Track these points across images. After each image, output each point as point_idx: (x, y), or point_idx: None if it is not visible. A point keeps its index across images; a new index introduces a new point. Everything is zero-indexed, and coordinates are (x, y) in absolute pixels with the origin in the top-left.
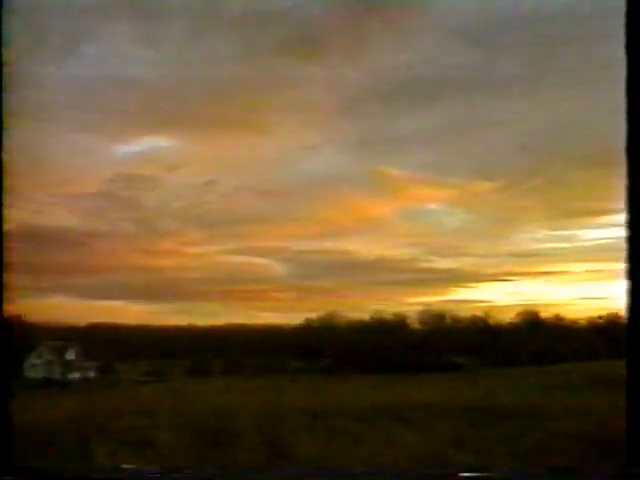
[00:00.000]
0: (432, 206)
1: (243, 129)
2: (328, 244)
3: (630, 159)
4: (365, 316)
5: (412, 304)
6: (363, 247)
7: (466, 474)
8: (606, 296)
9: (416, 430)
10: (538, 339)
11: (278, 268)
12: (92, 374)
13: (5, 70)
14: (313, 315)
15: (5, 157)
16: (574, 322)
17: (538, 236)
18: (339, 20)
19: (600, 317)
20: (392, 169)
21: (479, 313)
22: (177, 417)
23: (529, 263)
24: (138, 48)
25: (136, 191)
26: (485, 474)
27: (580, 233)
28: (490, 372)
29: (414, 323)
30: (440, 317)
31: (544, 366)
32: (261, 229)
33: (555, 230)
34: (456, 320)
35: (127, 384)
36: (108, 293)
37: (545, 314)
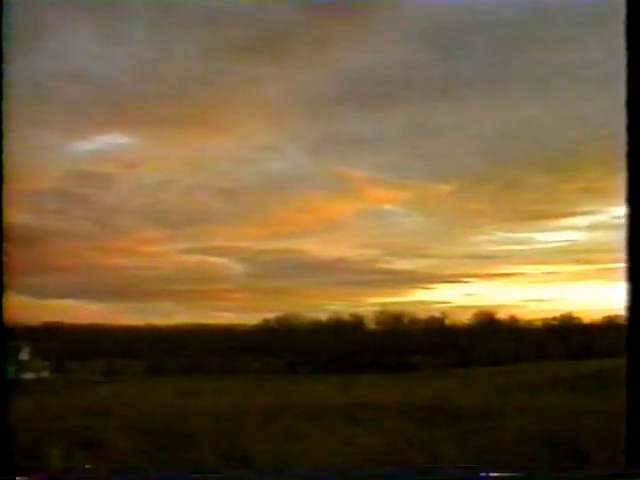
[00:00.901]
0: (390, 207)
1: (203, 128)
2: (287, 244)
3: (630, 160)
4: (323, 316)
5: (370, 305)
6: (322, 247)
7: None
8: (561, 298)
9: (370, 430)
10: (494, 340)
11: (236, 268)
12: (46, 374)
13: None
14: (271, 315)
15: None
16: (529, 323)
17: (494, 238)
18: (301, 20)
19: (555, 318)
20: (351, 170)
21: (436, 314)
22: (131, 417)
23: (485, 265)
24: (96, 44)
25: (93, 189)
26: (485, 474)
27: (535, 236)
28: (446, 372)
29: (371, 324)
30: (397, 318)
31: (500, 366)
32: (219, 228)
33: (511, 233)
34: (413, 321)
35: (82, 384)
36: (64, 292)
37: (501, 315)
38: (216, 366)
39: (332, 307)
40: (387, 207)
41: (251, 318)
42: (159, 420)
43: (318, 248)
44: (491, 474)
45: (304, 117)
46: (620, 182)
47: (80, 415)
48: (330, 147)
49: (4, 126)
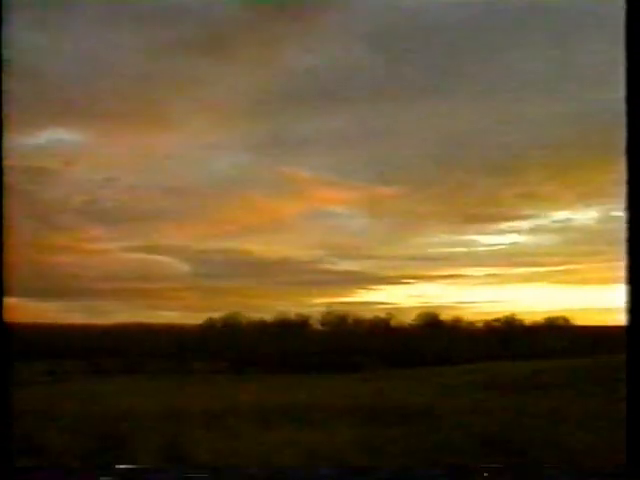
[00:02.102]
0: (336, 208)
1: (148, 125)
2: (232, 244)
3: (630, 161)
4: (268, 316)
5: (315, 305)
6: (267, 247)
7: None
8: (503, 299)
9: (313, 430)
10: (437, 341)
11: (181, 267)
12: None
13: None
14: (216, 315)
15: None
16: (472, 324)
17: (438, 240)
18: (248, 18)
19: (497, 320)
20: (297, 170)
21: (381, 314)
22: (72, 418)
23: (430, 267)
24: (41, 37)
25: (34, 185)
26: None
27: (479, 238)
28: (390, 373)
29: (317, 324)
30: (342, 318)
31: (443, 367)
32: (164, 227)
33: (455, 235)
34: (358, 321)
35: (21, 385)
36: (2, 290)
37: (444, 316)
38: (159, 366)
39: (277, 307)
40: (332, 208)
41: (195, 318)
42: (98, 421)
43: (263, 248)
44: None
45: (250, 116)
46: (560, 187)
47: (18, 417)
48: (275, 147)
49: None
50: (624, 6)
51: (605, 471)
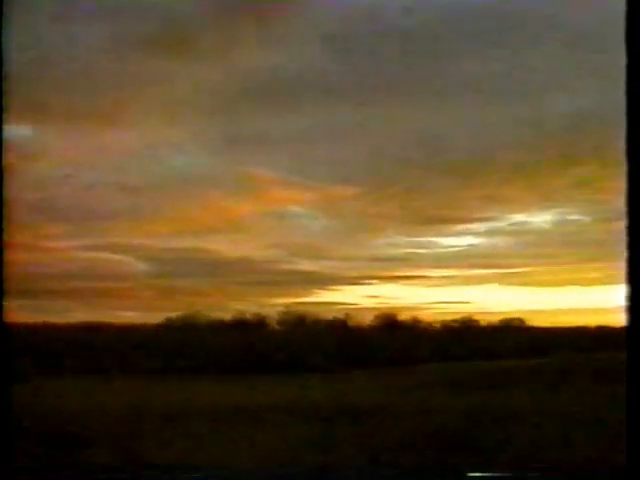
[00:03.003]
0: (296, 209)
1: (107, 122)
2: (190, 243)
3: (630, 162)
4: (227, 316)
5: (273, 305)
6: (226, 247)
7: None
8: (460, 300)
9: (268, 430)
10: (395, 341)
11: (138, 266)
12: None
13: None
14: (174, 314)
15: None
16: (430, 325)
17: (397, 242)
18: (211, 20)
19: (454, 321)
20: (256, 170)
21: (339, 315)
22: (24, 419)
23: (388, 267)
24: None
25: None
26: (490, 474)
27: (436, 240)
28: (348, 372)
29: (275, 324)
30: (301, 318)
31: (400, 367)
32: (121, 225)
33: (413, 236)
34: (316, 322)
35: None
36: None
37: (403, 317)
38: (115, 366)
39: (236, 307)
40: (292, 208)
41: (153, 317)
42: (48, 422)
43: (222, 247)
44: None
45: (208, 115)
46: (518, 191)
47: None
48: (234, 146)
49: None
50: (624, 7)
51: (605, 471)
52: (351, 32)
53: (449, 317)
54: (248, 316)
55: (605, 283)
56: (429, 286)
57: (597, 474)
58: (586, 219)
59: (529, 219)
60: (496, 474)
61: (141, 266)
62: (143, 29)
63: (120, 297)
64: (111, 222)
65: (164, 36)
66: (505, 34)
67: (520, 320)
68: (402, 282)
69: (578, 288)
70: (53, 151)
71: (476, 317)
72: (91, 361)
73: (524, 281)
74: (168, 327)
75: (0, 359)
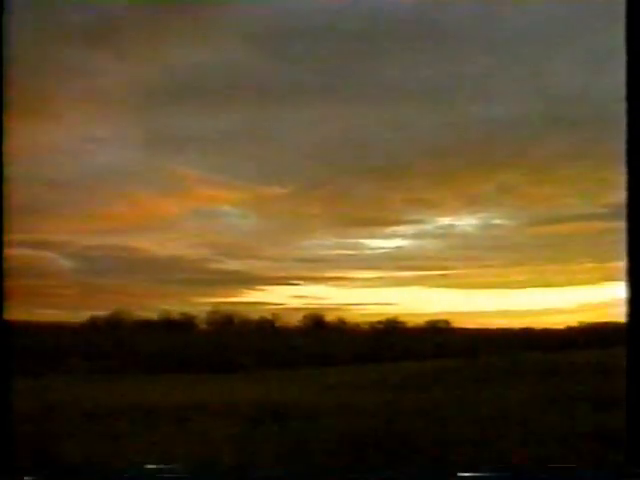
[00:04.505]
0: (222, 208)
1: (28, 116)
2: (116, 240)
3: (630, 161)
4: (153, 315)
5: (201, 305)
6: (152, 245)
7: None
8: (387, 302)
9: (190, 430)
10: (322, 341)
11: (63, 263)
12: None
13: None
14: (99, 314)
15: None
16: (356, 326)
17: (325, 242)
18: (137, 13)
19: (380, 322)
20: (183, 168)
21: (267, 315)
22: None
23: (316, 268)
24: None
25: None
26: (481, 474)
27: (364, 242)
28: (274, 373)
29: (203, 324)
30: (228, 318)
31: (327, 367)
32: (45, 221)
33: (341, 238)
34: (244, 322)
35: None
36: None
37: (330, 318)
38: (38, 365)
39: (163, 306)
40: (219, 207)
41: (78, 316)
42: None
43: (149, 246)
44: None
45: (135, 111)
46: (444, 194)
47: None
48: (161, 143)
49: None
50: (624, 5)
51: (605, 471)
52: (284, 30)
53: (375, 318)
54: (175, 315)
55: (528, 286)
56: (356, 287)
57: (597, 474)
58: (510, 223)
59: (455, 222)
60: (486, 474)
61: (66, 263)
62: (68, 21)
63: (43, 295)
64: (34, 217)
65: (89, 30)
66: (437, 40)
67: (446, 322)
68: (330, 283)
69: (503, 291)
70: None
71: (402, 318)
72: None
73: (450, 283)
74: (93, 326)
75: (0, 358)
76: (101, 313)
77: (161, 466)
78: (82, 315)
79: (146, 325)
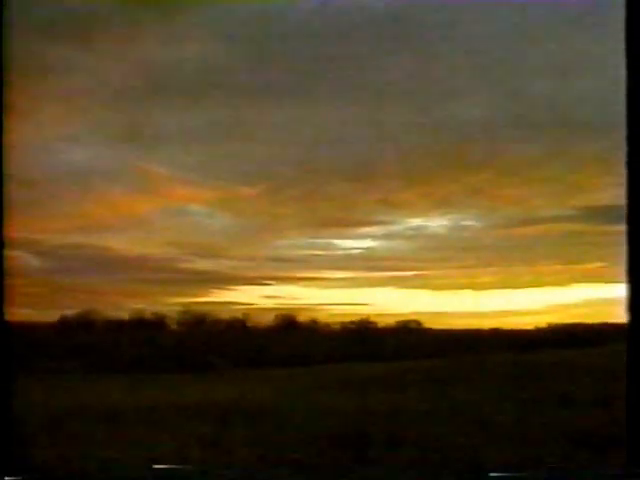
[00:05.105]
0: (194, 207)
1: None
2: (86, 239)
3: (630, 160)
4: (124, 315)
5: (172, 304)
6: (123, 244)
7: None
8: (358, 302)
9: (161, 431)
10: (293, 341)
11: (31, 262)
12: None
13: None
14: (69, 313)
15: None
16: (327, 326)
17: (296, 243)
18: (111, 9)
19: (352, 322)
20: (154, 167)
21: (238, 315)
22: None
23: (287, 268)
24: None
25: None
26: (511, 474)
27: (335, 242)
28: (245, 373)
29: (173, 323)
30: (199, 318)
31: (298, 367)
32: (12, 219)
33: (312, 238)
34: (215, 321)
35: None
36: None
37: (301, 318)
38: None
39: (133, 305)
40: (190, 206)
41: (47, 315)
42: None
43: (119, 245)
44: (493, 474)
45: (108, 109)
46: (415, 195)
47: None
48: (133, 142)
49: None
50: (623, 5)
51: (605, 471)
52: (261, 31)
53: (347, 318)
54: (146, 315)
55: (498, 287)
56: (327, 287)
57: (597, 474)
58: (480, 225)
59: (426, 224)
60: (517, 474)
61: (34, 262)
62: (41, 16)
63: (12, 294)
64: (2, 216)
65: (61, 25)
66: (410, 41)
67: (417, 322)
68: (301, 283)
69: (473, 292)
70: None
71: (373, 319)
72: None
73: (421, 284)
74: (62, 325)
75: (1, 358)
76: (71, 312)
77: (169, 466)
78: (52, 314)
79: (117, 325)
